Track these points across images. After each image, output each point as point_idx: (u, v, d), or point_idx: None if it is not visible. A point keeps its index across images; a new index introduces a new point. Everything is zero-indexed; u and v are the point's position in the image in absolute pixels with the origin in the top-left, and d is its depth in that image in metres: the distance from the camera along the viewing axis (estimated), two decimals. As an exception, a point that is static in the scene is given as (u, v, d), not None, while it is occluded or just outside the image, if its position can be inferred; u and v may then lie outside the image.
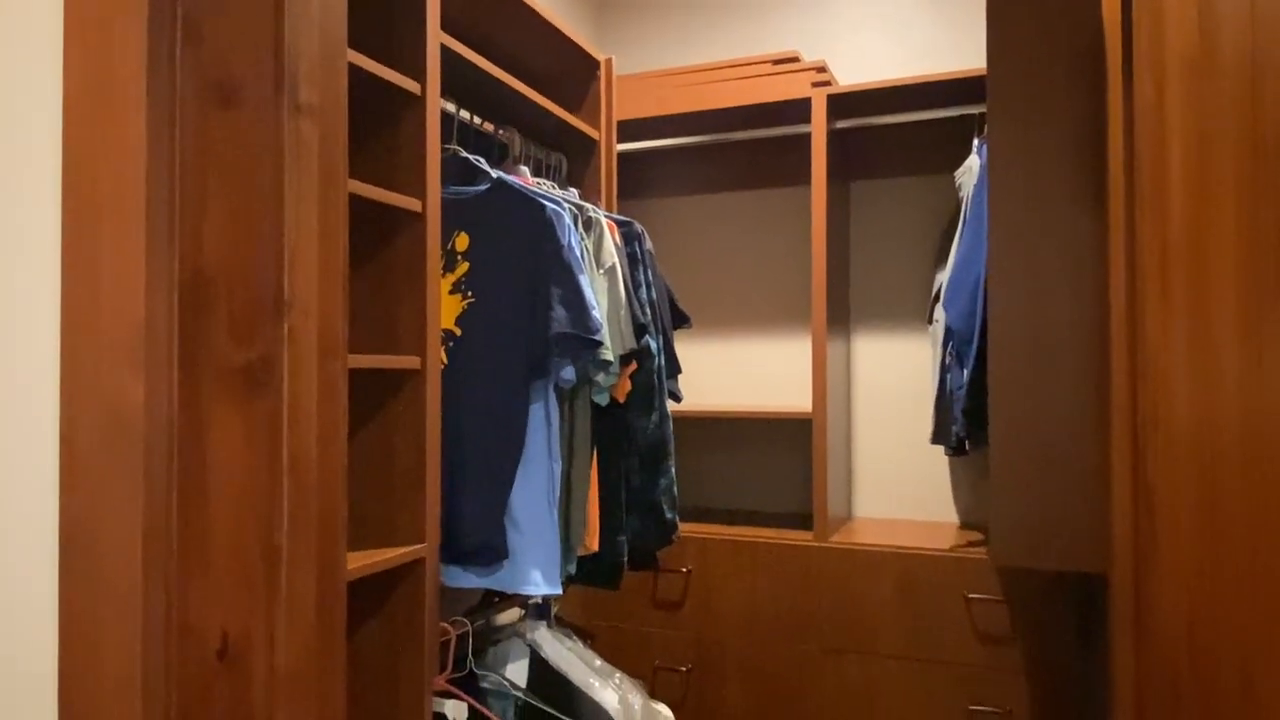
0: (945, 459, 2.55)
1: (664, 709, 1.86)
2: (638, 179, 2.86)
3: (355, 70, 1.24)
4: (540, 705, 1.66)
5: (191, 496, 0.61)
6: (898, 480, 2.61)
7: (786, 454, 2.69)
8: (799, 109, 2.35)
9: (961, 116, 2.28)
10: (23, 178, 0.68)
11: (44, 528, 0.64)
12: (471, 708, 1.55)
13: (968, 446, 2.16)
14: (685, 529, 2.35)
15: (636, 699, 1.76)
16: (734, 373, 2.80)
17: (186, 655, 0.61)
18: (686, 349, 2.79)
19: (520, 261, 1.54)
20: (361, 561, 1.27)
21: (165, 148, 0.63)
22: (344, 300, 0.75)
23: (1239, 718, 0.75)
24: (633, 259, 1.82)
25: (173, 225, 0.62)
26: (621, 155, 2.53)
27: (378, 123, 1.43)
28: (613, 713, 1.68)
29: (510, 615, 1.87)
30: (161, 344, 0.59)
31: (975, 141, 2.20)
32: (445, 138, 1.57)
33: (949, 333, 2.11)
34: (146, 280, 0.60)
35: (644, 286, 1.82)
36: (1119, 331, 1.18)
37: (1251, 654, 0.73)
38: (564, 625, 1.94)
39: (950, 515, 2.55)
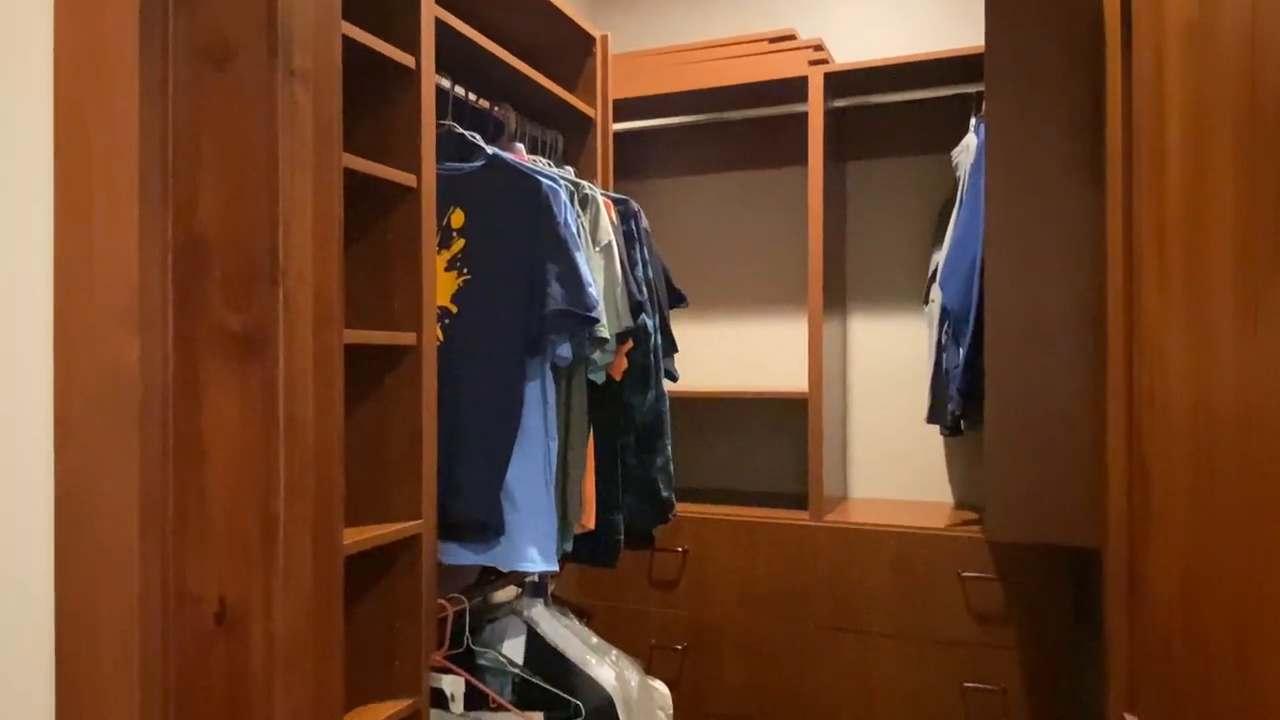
0: (940, 439, 2.55)
1: (660, 685, 1.87)
2: (634, 159, 2.85)
3: (349, 43, 1.23)
4: (537, 682, 1.67)
5: (188, 461, 0.61)
6: (893, 460, 2.62)
7: (782, 434, 2.70)
8: (795, 87, 2.33)
9: (959, 95, 2.27)
10: (15, 141, 0.67)
11: (39, 490, 0.64)
12: (469, 683, 1.56)
13: (963, 426, 2.17)
14: (681, 509, 2.36)
15: (633, 676, 1.77)
16: (730, 353, 2.80)
17: (184, 620, 0.61)
18: (682, 330, 2.79)
19: (516, 238, 1.53)
20: (358, 537, 1.27)
21: (158, 112, 0.63)
22: (339, 268, 0.74)
23: (1233, 682, 0.76)
24: (629, 237, 1.82)
25: (166, 189, 0.62)
26: (617, 135, 2.51)
27: (372, 97, 1.42)
28: (610, 689, 1.69)
29: (507, 593, 1.87)
30: (156, 307, 0.59)
31: (973, 120, 2.20)
32: (440, 114, 1.56)
33: (945, 312, 2.11)
34: (140, 243, 0.59)
35: (640, 265, 1.81)
36: (1115, 306, 1.18)
37: (1245, 620, 0.74)
38: (561, 603, 1.95)
39: (945, 495, 2.56)
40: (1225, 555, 0.80)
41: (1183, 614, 0.93)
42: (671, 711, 1.87)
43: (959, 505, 2.50)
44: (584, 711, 1.62)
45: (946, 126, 2.41)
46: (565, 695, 1.64)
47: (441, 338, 1.52)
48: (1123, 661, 1.15)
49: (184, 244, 0.62)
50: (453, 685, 1.50)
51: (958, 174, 2.22)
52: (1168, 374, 1.01)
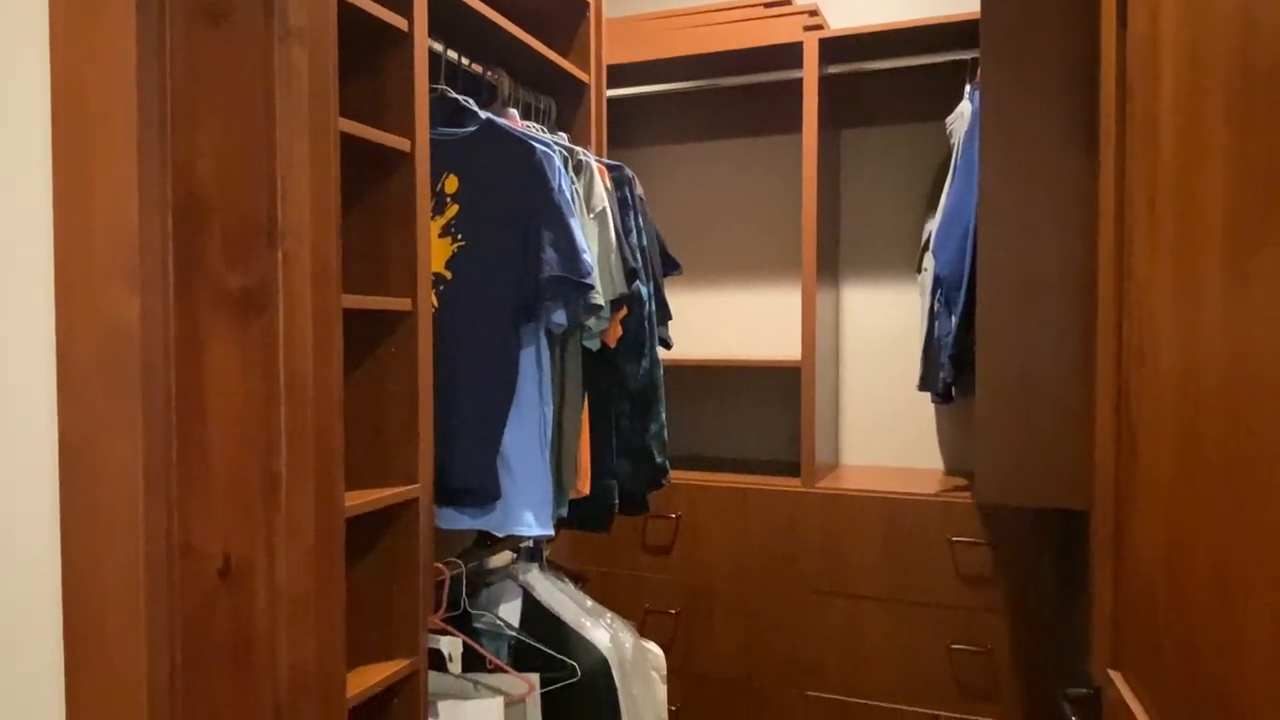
0: (931, 407, 2.58)
1: (654, 647, 1.90)
2: (627, 126, 2.84)
3: (341, 4, 1.22)
4: (533, 644, 1.69)
5: (190, 418, 0.62)
6: (885, 428, 2.64)
7: (775, 402, 2.72)
8: (790, 54, 2.32)
9: (954, 62, 2.26)
10: (11, 99, 0.67)
11: (44, 447, 0.64)
12: (466, 645, 1.58)
13: (954, 393, 2.19)
14: (674, 475, 2.37)
15: (628, 638, 1.80)
16: (723, 321, 2.81)
17: (189, 574, 0.62)
18: (676, 298, 2.79)
19: (510, 204, 1.53)
20: (357, 500, 1.28)
21: (155, 70, 0.62)
22: (336, 227, 0.75)
23: (1215, 633, 0.78)
24: (623, 204, 1.81)
25: (164, 148, 0.62)
26: (611, 102, 2.50)
27: (364, 60, 1.40)
28: (604, 651, 1.71)
29: (503, 558, 1.89)
30: (156, 264, 0.59)
31: (967, 87, 2.19)
32: (433, 78, 1.55)
33: (938, 280, 2.12)
34: (139, 201, 0.59)
35: (634, 232, 1.81)
36: (1106, 268, 1.18)
37: (1227, 572, 0.76)
38: (556, 568, 1.97)
39: (936, 462, 2.59)
40: (1209, 511, 0.82)
41: (1167, 570, 0.95)
42: (665, 672, 1.90)
43: (949, 472, 2.53)
44: (579, 672, 1.65)
45: (941, 94, 2.40)
46: (561, 657, 1.67)
47: (436, 304, 1.52)
48: (1107, 620, 1.18)
49: (183, 203, 0.63)
50: (450, 646, 1.53)
51: (952, 141, 2.22)
52: (1156, 336, 1.02)
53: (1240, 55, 0.81)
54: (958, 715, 2.11)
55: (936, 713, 2.14)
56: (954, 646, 2.11)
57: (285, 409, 0.66)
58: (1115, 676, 1.12)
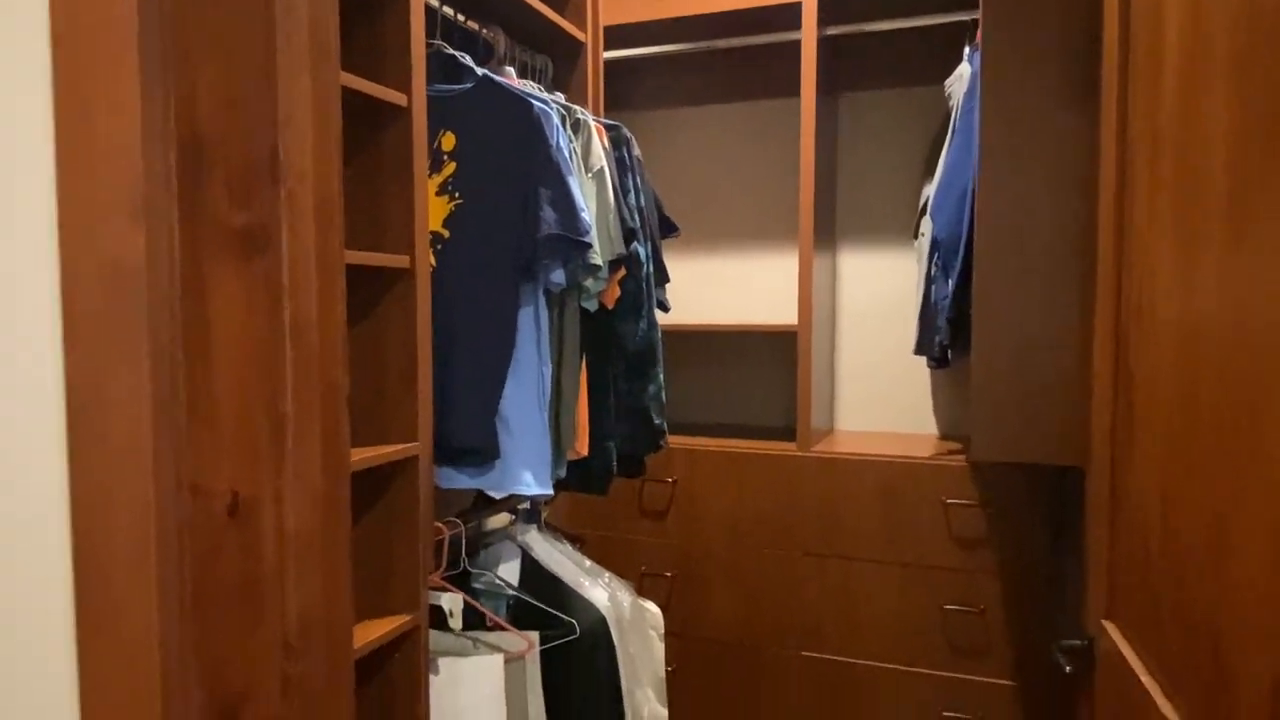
0: (927, 372, 2.59)
1: (652, 606, 1.92)
2: (623, 89, 2.81)
3: (336, -46, 1.20)
4: (532, 602, 1.71)
5: (196, 357, 0.61)
6: (880, 393, 2.65)
7: (772, 367, 2.72)
8: (789, 14, 2.30)
9: (953, 24, 2.24)
10: (11, 33, 0.66)
11: (49, 385, 0.64)
12: (466, 603, 1.59)
13: (950, 356, 2.19)
14: (671, 440, 2.38)
15: (625, 597, 1.82)
16: (720, 287, 2.81)
17: (197, 512, 0.62)
18: (673, 263, 2.77)
19: (508, 162, 1.52)
20: (358, 456, 1.28)
21: (154, 2, 0.61)
22: (339, 168, 0.74)
23: (1208, 578, 0.79)
24: (621, 164, 1.80)
25: (167, 84, 0.61)
26: (607, 64, 2.47)
27: (359, 14, 1.39)
28: (602, 609, 1.73)
29: (501, 519, 1.90)
30: (160, 204, 0.59)
31: (966, 49, 2.18)
32: (429, 34, 1.53)
33: (935, 244, 2.12)
34: (143, 140, 0.59)
35: (632, 192, 1.80)
36: (1106, 222, 1.19)
37: (1222, 522, 0.77)
38: (554, 530, 1.98)
39: (930, 427, 2.60)
40: (1206, 462, 0.83)
41: (1161, 521, 0.96)
42: (663, 630, 1.92)
43: (944, 437, 2.54)
44: (578, 630, 1.66)
45: (940, 57, 2.39)
46: (560, 615, 1.68)
47: (434, 263, 1.51)
48: (1102, 572, 1.19)
49: (186, 140, 0.62)
50: (451, 602, 1.54)
51: (950, 104, 2.21)
52: (1155, 288, 1.02)
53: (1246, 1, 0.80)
54: (951, 674, 2.15)
55: (930, 672, 2.17)
56: (947, 607, 2.14)
57: (290, 348, 0.66)
58: (1109, 626, 1.14)
